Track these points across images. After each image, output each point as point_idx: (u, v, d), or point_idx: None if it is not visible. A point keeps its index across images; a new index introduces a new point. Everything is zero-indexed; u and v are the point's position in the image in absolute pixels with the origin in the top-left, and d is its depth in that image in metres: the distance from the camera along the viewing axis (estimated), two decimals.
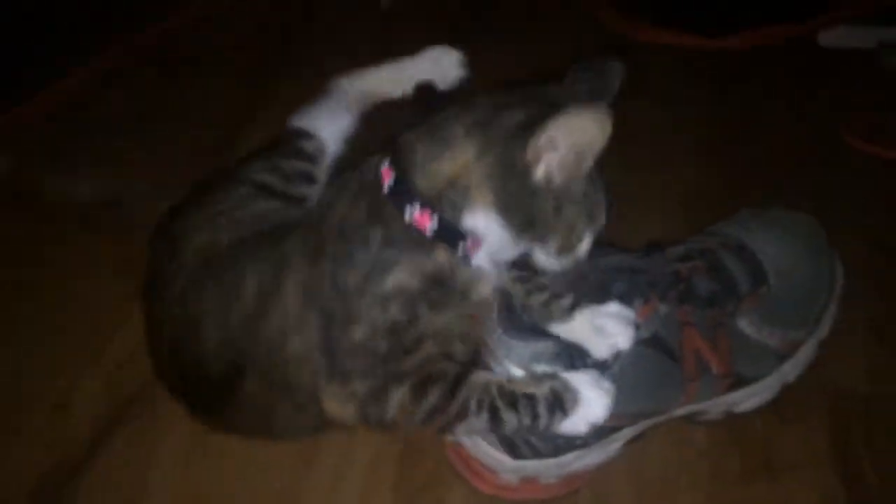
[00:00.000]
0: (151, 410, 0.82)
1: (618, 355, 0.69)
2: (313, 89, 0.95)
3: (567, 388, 0.66)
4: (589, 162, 0.62)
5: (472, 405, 0.65)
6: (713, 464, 0.78)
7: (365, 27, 1.41)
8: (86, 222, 1.04)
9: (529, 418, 0.66)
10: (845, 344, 0.89)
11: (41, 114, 1.20)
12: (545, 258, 0.67)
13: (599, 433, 0.70)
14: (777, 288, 0.77)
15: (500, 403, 0.65)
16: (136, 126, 1.18)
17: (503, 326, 0.71)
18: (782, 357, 0.78)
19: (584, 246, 0.67)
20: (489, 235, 0.64)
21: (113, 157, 1.14)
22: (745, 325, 0.76)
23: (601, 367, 0.69)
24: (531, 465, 0.72)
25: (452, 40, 1.06)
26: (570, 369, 0.69)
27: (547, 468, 0.73)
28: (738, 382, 0.77)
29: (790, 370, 0.79)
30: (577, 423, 0.67)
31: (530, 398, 0.66)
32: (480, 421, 0.66)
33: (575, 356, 0.70)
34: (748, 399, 0.78)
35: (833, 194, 1.08)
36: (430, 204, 0.62)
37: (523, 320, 0.71)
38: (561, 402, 0.66)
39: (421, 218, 0.62)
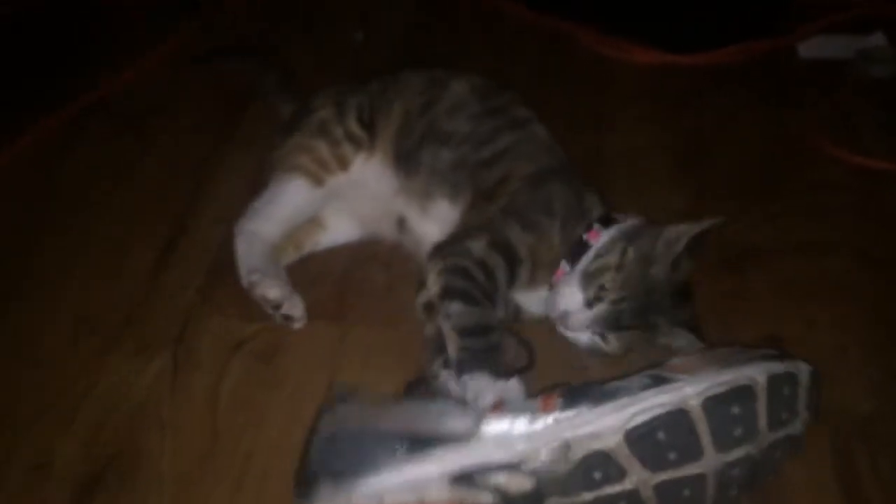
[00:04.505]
0: (131, 471, 0.79)
1: None
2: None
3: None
4: None
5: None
6: None
7: (339, 60, 1.39)
8: (47, 283, 1.01)
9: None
10: (840, 362, 0.88)
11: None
12: None
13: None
14: None
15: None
16: (95, 189, 1.14)
17: None
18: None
19: None
20: None
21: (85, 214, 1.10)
22: None
23: None
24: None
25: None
26: None
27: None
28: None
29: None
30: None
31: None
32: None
33: None
34: None
35: (815, 207, 1.08)
36: None
37: None
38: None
39: None
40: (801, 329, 0.91)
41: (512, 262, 0.88)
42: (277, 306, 0.90)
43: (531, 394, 0.76)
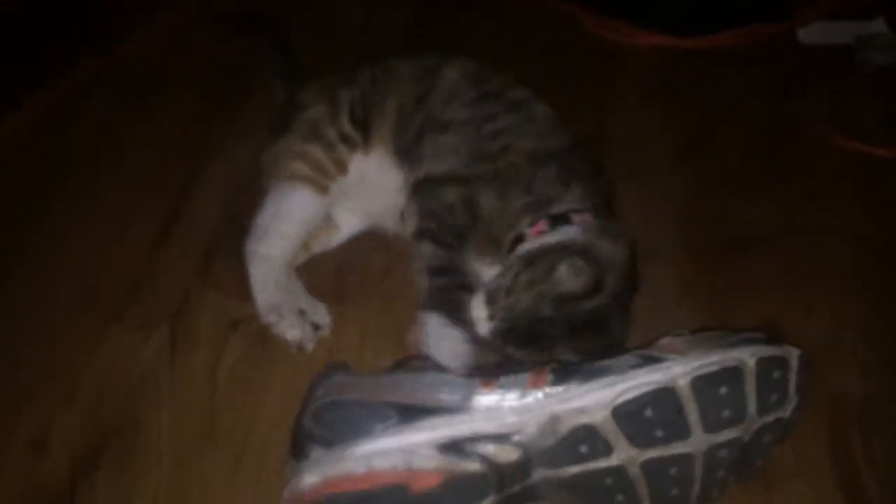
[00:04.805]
0: (130, 447, 0.79)
1: None
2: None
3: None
4: None
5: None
6: None
7: (339, 42, 1.38)
8: (47, 254, 1.01)
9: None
10: (836, 348, 0.89)
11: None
12: None
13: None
14: None
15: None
16: (96, 160, 1.14)
17: None
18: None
19: None
20: None
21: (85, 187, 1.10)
22: None
23: None
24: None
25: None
26: None
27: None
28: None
29: None
30: None
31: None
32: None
33: None
34: None
35: (816, 195, 1.08)
36: None
37: None
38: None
39: None
40: (798, 315, 0.91)
41: (472, 218, 0.89)
42: (299, 347, 0.89)
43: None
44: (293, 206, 0.95)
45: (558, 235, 0.85)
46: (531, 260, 0.83)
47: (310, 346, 0.89)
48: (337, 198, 0.98)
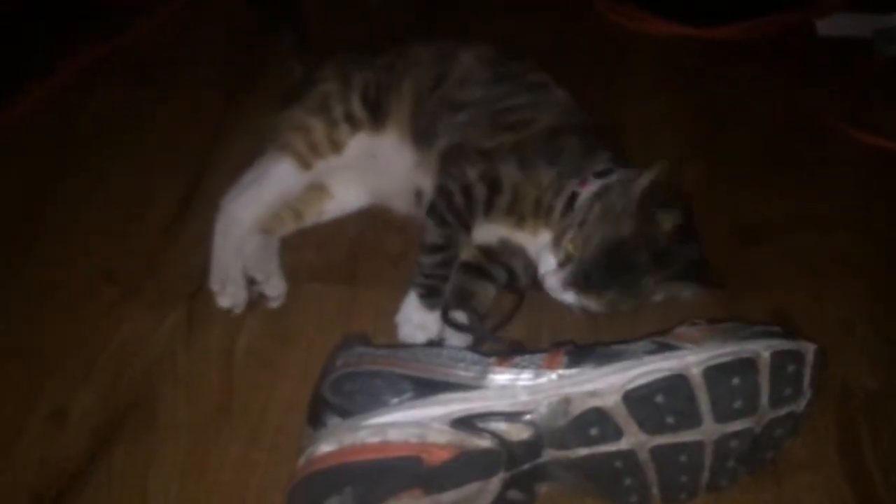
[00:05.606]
0: (148, 422, 0.81)
1: None
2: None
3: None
4: None
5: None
6: None
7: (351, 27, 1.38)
8: (63, 233, 1.02)
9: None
10: (844, 339, 0.89)
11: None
12: None
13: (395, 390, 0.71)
14: None
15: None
16: (110, 139, 1.15)
17: None
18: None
19: None
20: None
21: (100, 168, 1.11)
22: None
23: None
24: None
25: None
26: None
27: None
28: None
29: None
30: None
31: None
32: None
33: None
34: None
35: (826, 186, 1.08)
36: None
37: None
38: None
39: None
40: (808, 303, 0.92)
41: (494, 192, 0.90)
42: (229, 310, 0.91)
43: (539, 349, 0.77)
44: (274, 175, 0.97)
45: (607, 181, 0.87)
46: (600, 195, 0.85)
47: (237, 311, 0.91)
48: (319, 172, 0.99)
